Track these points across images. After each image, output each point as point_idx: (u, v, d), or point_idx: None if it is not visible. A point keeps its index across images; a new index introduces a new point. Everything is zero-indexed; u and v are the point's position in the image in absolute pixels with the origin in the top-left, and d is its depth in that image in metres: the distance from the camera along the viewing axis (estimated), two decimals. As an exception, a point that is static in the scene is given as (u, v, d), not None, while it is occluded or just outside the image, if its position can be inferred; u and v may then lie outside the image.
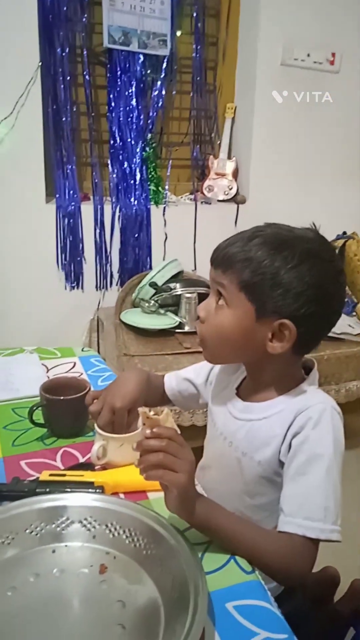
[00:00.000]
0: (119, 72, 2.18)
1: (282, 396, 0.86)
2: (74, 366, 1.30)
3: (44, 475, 0.84)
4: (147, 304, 2.03)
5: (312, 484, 0.76)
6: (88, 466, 0.91)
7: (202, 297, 2.02)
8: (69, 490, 0.80)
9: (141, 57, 2.18)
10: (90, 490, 0.80)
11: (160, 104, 2.29)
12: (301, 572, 0.75)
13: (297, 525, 0.74)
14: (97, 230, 2.26)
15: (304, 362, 0.90)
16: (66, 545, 0.73)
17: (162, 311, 2.04)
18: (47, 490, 0.80)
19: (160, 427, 0.70)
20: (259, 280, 0.79)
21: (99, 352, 2.21)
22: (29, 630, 0.62)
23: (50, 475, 0.84)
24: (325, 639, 0.91)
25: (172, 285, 2.08)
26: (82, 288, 2.30)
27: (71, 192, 2.19)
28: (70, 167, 2.18)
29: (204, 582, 0.64)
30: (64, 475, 0.84)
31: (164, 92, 2.29)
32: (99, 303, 2.33)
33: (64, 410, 0.99)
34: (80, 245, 2.25)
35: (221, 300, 0.84)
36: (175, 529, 0.72)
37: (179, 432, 0.73)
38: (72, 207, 2.19)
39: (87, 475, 0.84)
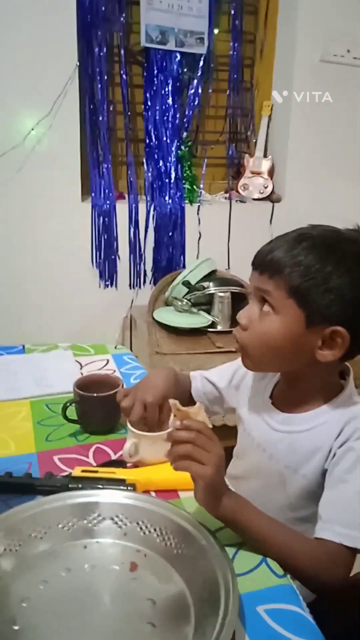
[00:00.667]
0: (155, 71, 2.19)
1: (325, 406, 0.83)
2: (107, 363, 1.31)
3: (77, 471, 0.85)
4: (180, 303, 2.03)
5: (353, 492, 0.75)
6: (120, 463, 0.91)
7: (235, 297, 2.01)
8: (100, 487, 0.80)
9: (178, 55, 2.18)
10: (121, 487, 0.80)
11: (196, 102, 2.29)
12: (336, 580, 0.73)
13: (334, 533, 0.73)
14: (132, 229, 2.27)
15: None
16: (97, 542, 0.74)
17: (195, 310, 2.04)
18: (80, 486, 0.81)
19: (190, 420, 0.70)
20: (310, 286, 0.76)
21: (131, 349, 2.22)
22: (59, 623, 0.62)
23: (83, 471, 0.85)
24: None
25: (205, 284, 2.08)
26: (115, 286, 2.32)
27: (106, 190, 2.21)
28: (106, 166, 2.20)
29: (235, 584, 0.63)
30: (96, 472, 0.85)
31: (200, 91, 2.28)
32: (132, 301, 2.34)
33: (97, 407, 1.00)
34: (115, 243, 2.26)
35: (266, 307, 0.81)
36: (206, 529, 0.71)
37: (210, 426, 0.72)
38: (107, 206, 2.21)
39: (119, 473, 0.84)
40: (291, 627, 0.63)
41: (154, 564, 0.70)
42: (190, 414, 0.72)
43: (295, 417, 0.85)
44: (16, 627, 0.61)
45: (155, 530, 0.74)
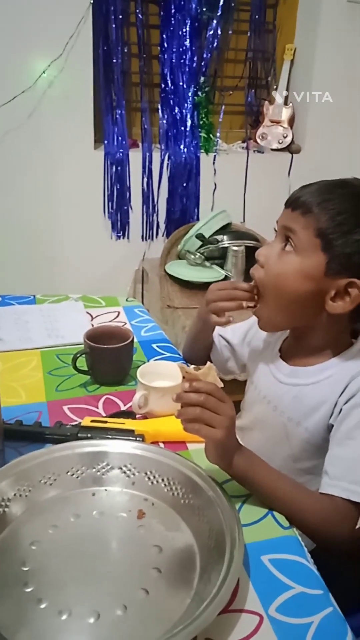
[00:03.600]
0: (173, 10, 2.08)
1: (332, 359, 0.83)
2: (117, 315, 1.30)
3: (86, 421, 0.85)
4: (193, 256, 2.00)
5: None
6: (129, 414, 0.92)
7: (250, 251, 1.97)
8: (110, 437, 0.81)
9: (197, -7, 2.07)
10: (130, 438, 0.81)
11: (215, 45, 2.18)
12: (341, 535, 0.74)
13: (342, 489, 0.73)
14: (145, 179, 2.21)
15: None
16: (106, 490, 0.75)
17: (208, 264, 2.01)
18: (89, 435, 0.81)
19: (200, 382, 0.69)
20: (338, 231, 0.75)
21: (142, 302, 2.21)
22: (68, 567, 0.64)
23: (92, 421, 0.85)
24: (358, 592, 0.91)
25: (219, 237, 2.04)
26: (128, 238, 2.29)
27: (120, 138, 2.15)
28: (119, 112, 2.13)
29: (241, 534, 0.64)
30: (105, 422, 0.85)
31: (219, 32, 2.17)
32: (145, 254, 2.32)
33: (107, 359, 1.00)
34: (128, 193, 2.22)
35: (288, 246, 0.79)
36: (213, 480, 0.72)
37: (221, 385, 0.71)
38: (120, 154, 2.15)
39: (128, 424, 0.85)
40: (294, 576, 0.65)
41: (161, 513, 0.72)
42: (200, 376, 0.71)
43: (302, 370, 0.85)
44: (25, 568, 0.63)
45: (163, 480, 0.74)
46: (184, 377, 0.71)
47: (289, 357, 0.89)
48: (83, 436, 0.81)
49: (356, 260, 0.75)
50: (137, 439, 0.81)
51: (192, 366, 0.72)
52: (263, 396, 0.91)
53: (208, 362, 0.74)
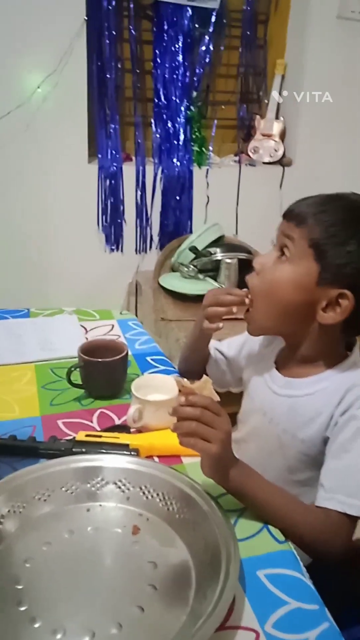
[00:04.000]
0: (165, 27, 2.10)
1: (327, 371, 0.83)
2: (112, 329, 1.30)
3: (81, 436, 0.85)
4: (186, 269, 2.01)
5: (356, 461, 0.75)
6: (124, 428, 0.91)
7: (242, 263, 1.98)
8: (104, 451, 0.80)
9: (189, 10, 2.09)
10: (125, 452, 0.81)
11: (207, 60, 2.21)
12: (337, 549, 0.74)
13: (337, 502, 0.73)
14: (139, 192, 2.23)
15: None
16: (100, 505, 0.74)
17: (201, 276, 2.01)
18: (83, 450, 0.81)
19: (196, 395, 0.69)
20: (331, 242, 0.76)
21: (136, 315, 2.21)
22: (62, 584, 0.63)
23: (87, 435, 0.85)
24: (355, 606, 0.91)
25: (212, 250, 2.05)
26: (121, 251, 2.29)
27: (113, 152, 2.16)
28: (113, 126, 2.15)
29: (236, 549, 0.64)
30: (100, 436, 0.85)
31: (211, 48, 2.20)
32: (138, 266, 2.32)
33: (101, 372, 1.00)
34: (121, 207, 2.23)
35: (284, 257, 0.81)
36: (208, 495, 0.72)
37: (217, 399, 0.71)
38: (114, 168, 2.17)
39: (122, 438, 0.85)
40: (290, 591, 0.64)
41: (156, 528, 0.71)
42: (196, 389, 0.71)
43: (297, 382, 0.86)
44: (19, 587, 0.62)
45: (157, 495, 0.74)
46: (180, 391, 0.71)
47: (283, 368, 0.90)
48: (77, 451, 0.81)
49: (348, 272, 0.76)
50: (132, 453, 0.81)
51: (188, 380, 0.72)
52: (258, 408, 0.91)
53: (204, 376, 0.74)
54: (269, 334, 0.94)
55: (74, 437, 0.86)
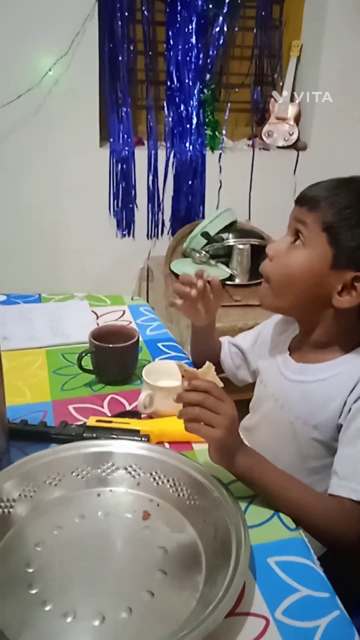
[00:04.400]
0: (179, 7, 2.07)
1: (341, 357, 0.82)
2: (123, 314, 1.30)
3: (91, 421, 0.85)
4: (198, 255, 1.99)
5: None
6: (135, 414, 0.91)
7: (255, 249, 1.96)
8: (115, 437, 0.80)
9: (203, -11, 2.05)
10: (136, 438, 0.80)
11: (221, 42, 2.17)
12: (350, 537, 0.73)
13: (351, 490, 0.72)
14: (150, 177, 2.21)
15: None
16: (111, 490, 0.74)
17: (213, 262, 2.00)
18: (94, 435, 0.81)
19: (199, 380, 0.69)
20: (344, 225, 0.76)
21: (147, 301, 2.20)
22: (72, 568, 0.63)
23: (98, 421, 0.85)
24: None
25: (224, 235, 2.03)
26: (133, 236, 2.28)
27: (125, 136, 2.14)
28: (125, 109, 2.12)
29: (247, 536, 0.63)
30: (110, 422, 0.85)
31: (225, 29, 2.16)
32: (150, 252, 2.31)
33: (112, 358, 0.99)
34: (133, 191, 2.21)
35: (298, 241, 0.80)
36: (219, 481, 0.71)
37: (221, 385, 0.71)
38: (126, 152, 2.15)
39: (133, 424, 0.84)
40: (301, 578, 0.64)
41: (167, 514, 0.71)
42: (199, 374, 0.71)
43: (310, 367, 0.85)
44: (30, 570, 0.63)
45: (168, 481, 0.74)
46: (183, 376, 0.71)
47: (297, 354, 0.89)
48: (88, 436, 0.81)
49: None
50: (143, 439, 0.81)
51: (191, 368, 0.72)
52: (271, 394, 0.91)
53: (207, 362, 0.73)
54: (282, 313, 0.94)
55: (85, 423, 0.86)
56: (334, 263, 0.77)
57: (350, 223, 0.76)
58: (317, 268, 0.78)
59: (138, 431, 0.82)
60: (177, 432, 0.84)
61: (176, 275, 1.98)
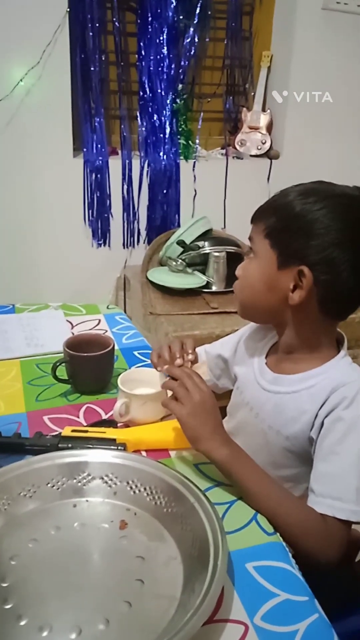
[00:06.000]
0: (150, 18, 2.08)
1: (315, 369, 0.82)
2: (98, 323, 1.29)
3: (67, 431, 0.84)
4: (174, 263, 1.99)
5: (345, 464, 0.74)
6: (111, 423, 0.90)
7: (230, 257, 1.98)
8: (91, 446, 0.79)
9: (173, 1, 2.07)
10: (112, 447, 0.80)
11: (192, 52, 2.19)
12: (330, 555, 0.72)
13: (327, 506, 0.72)
14: (125, 186, 2.21)
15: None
16: (87, 500, 0.73)
17: (189, 270, 2.00)
18: (69, 445, 0.80)
19: (187, 367, 0.81)
20: (283, 226, 0.79)
21: (125, 310, 2.20)
22: (48, 581, 0.62)
23: (73, 431, 0.84)
24: (345, 599, 0.91)
25: (200, 243, 2.04)
26: (109, 245, 2.27)
27: (99, 145, 2.14)
28: (98, 119, 2.12)
29: (225, 542, 0.63)
30: (86, 431, 0.84)
31: (196, 40, 2.18)
32: (126, 261, 2.31)
33: (88, 367, 0.98)
34: (108, 201, 2.21)
35: (252, 254, 0.85)
36: (196, 488, 0.71)
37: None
38: (100, 162, 2.15)
39: (109, 432, 0.84)
40: (280, 583, 0.64)
41: (144, 523, 0.70)
42: (193, 367, 0.80)
43: (284, 378, 0.85)
44: (5, 584, 0.61)
45: (145, 489, 0.73)
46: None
47: (273, 364, 0.89)
48: (64, 446, 0.80)
49: (300, 247, 0.77)
50: (119, 447, 0.80)
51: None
52: (246, 402, 0.91)
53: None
54: (256, 322, 0.96)
55: (60, 433, 0.84)
56: (279, 264, 0.80)
57: (287, 224, 0.78)
58: (267, 272, 0.81)
59: (114, 440, 0.82)
60: (154, 440, 0.84)
61: (153, 284, 1.99)
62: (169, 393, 0.81)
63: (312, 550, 0.72)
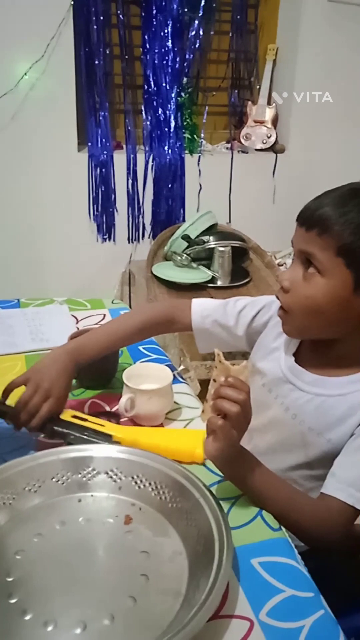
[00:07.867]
0: (154, 11, 2.07)
1: None
2: (103, 318, 1.28)
3: (67, 415, 0.83)
4: (179, 258, 1.99)
5: None
6: (114, 415, 0.90)
7: (236, 251, 1.97)
8: (85, 436, 0.80)
9: (178, -7, 2.06)
10: (102, 441, 0.80)
11: (197, 46, 2.18)
12: (332, 536, 0.73)
13: (348, 494, 0.72)
14: (130, 181, 2.20)
15: None
16: (92, 495, 0.73)
17: (194, 265, 2.00)
18: (56, 428, 0.81)
19: (237, 379, 0.68)
20: (358, 246, 0.71)
21: (130, 305, 2.20)
22: (53, 576, 0.62)
23: (73, 417, 0.83)
24: (351, 595, 0.91)
25: (205, 238, 2.03)
26: (114, 240, 2.27)
27: (103, 140, 2.13)
28: (103, 113, 2.12)
29: (230, 537, 0.63)
30: (85, 420, 0.83)
31: (201, 33, 2.16)
32: (131, 256, 2.30)
33: (92, 362, 0.98)
34: (113, 196, 2.20)
35: (311, 269, 0.76)
36: (201, 483, 0.70)
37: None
38: (105, 156, 2.14)
39: (107, 427, 0.83)
40: (285, 579, 0.64)
41: (149, 518, 0.70)
42: (232, 371, 0.70)
43: (328, 380, 0.82)
44: (10, 579, 0.61)
45: (150, 484, 0.73)
46: (216, 367, 0.71)
47: (309, 364, 0.85)
48: (58, 430, 0.81)
49: None
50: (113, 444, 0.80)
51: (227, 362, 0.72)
52: (280, 402, 0.87)
53: (244, 361, 0.72)
54: (310, 337, 0.87)
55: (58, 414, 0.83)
56: (355, 286, 0.73)
57: None
58: (341, 295, 0.74)
59: (111, 436, 0.81)
60: (150, 444, 0.81)
61: (158, 279, 1.98)
62: (222, 379, 0.70)
63: (319, 535, 0.73)
